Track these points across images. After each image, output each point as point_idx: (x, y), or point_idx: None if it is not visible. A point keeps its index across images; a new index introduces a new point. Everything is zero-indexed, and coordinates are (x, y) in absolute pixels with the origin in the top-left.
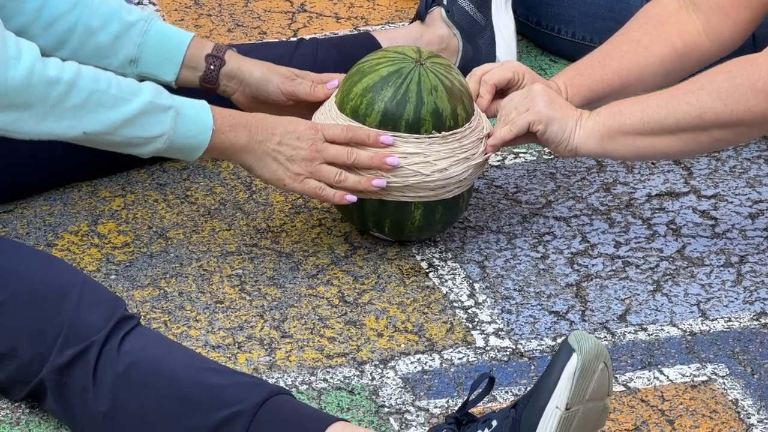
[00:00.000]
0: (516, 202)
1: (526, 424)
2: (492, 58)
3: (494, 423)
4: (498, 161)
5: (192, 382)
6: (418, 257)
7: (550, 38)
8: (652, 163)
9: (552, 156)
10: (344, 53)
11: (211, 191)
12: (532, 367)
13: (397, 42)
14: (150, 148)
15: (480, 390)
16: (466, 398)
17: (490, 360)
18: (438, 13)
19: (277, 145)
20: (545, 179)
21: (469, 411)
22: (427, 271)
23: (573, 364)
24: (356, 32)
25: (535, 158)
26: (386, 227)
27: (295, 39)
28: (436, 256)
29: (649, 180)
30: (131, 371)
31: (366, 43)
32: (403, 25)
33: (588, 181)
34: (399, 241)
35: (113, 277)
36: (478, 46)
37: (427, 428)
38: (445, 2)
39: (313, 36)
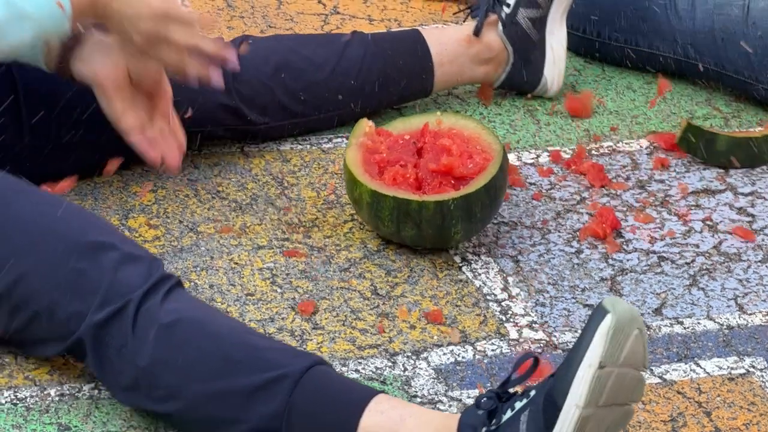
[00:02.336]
0: (550, 198)
1: (560, 381)
2: (539, 74)
3: (533, 393)
4: (532, 159)
5: (237, 342)
6: (451, 251)
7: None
8: (689, 161)
9: (586, 153)
10: (391, 66)
11: (243, 187)
12: None
13: (447, 47)
14: (28, 24)
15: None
16: (508, 375)
17: (523, 352)
18: (494, 21)
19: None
20: (579, 176)
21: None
22: (461, 265)
23: (607, 323)
24: (404, 30)
25: (569, 155)
26: (427, 244)
27: (347, 34)
28: (470, 250)
29: (684, 177)
30: (175, 327)
31: (415, 49)
32: (455, 23)
33: (622, 178)
34: None
35: None
36: (528, 60)
37: None
38: (503, 16)
39: (363, 33)
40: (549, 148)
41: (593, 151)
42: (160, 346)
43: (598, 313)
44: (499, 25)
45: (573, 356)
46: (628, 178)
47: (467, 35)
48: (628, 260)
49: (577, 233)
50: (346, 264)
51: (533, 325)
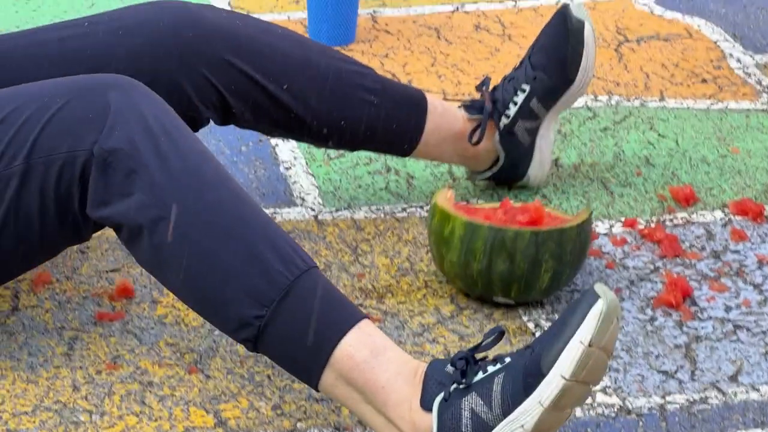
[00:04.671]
0: (623, 267)
1: (548, 351)
2: (523, 173)
3: (507, 359)
4: (606, 229)
5: (255, 207)
6: (525, 318)
7: None
8: (765, 233)
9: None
10: (382, 127)
11: (316, 253)
12: (640, 424)
13: (440, 133)
14: None
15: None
16: (479, 342)
17: (596, 416)
18: (489, 128)
19: None
20: (653, 246)
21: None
22: (534, 331)
23: (599, 307)
24: (413, 96)
25: (642, 226)
26: (513, 290)
27: (363, 70)
28: (543, 317)
29: (759, 248)
30: (203, 166)
31: (413, 123)
32: (461, 108)
33: (696, 248)
34: (512, 305)
35: None
36: (516, 162)
37: None
38: (501, 126)
39: (377, 80)
40: (621, 219)
41: (667, 222)
42: (181, 181)
43: (590, 296)
44: (496, 134)
45: (562, 330)
46: (702, 248)
47: (461, 130)
48: (702, 328)
49: (651, 301)
50: (419, 329)
51: (606, 389)
